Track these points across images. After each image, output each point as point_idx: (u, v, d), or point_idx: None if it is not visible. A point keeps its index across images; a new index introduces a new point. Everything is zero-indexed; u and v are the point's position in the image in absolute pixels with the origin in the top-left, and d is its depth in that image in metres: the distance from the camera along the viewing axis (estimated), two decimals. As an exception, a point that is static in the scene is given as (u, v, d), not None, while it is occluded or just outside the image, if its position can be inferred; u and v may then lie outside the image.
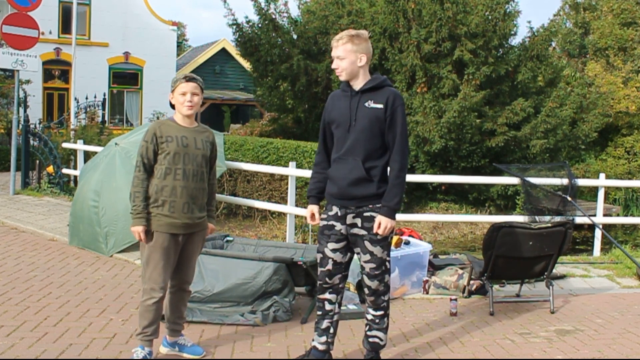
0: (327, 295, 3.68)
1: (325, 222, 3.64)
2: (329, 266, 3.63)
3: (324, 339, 3.71)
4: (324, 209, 3.69)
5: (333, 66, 3.59)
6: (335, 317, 3.73)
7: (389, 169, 3.56)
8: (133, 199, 3.64)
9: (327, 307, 3.70)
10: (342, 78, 3.57)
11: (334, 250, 3.61)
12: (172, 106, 3.81)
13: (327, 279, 3.65)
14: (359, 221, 3.54)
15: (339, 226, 3.59)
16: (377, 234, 3.50)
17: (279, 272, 4.61)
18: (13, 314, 4.54)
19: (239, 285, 4.57)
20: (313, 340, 3.77)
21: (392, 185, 3.49)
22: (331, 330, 3.72)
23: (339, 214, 3.59)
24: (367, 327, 3.73)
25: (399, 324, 4.57)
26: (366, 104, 3.51)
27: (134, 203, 3.63)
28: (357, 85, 3.56)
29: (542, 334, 4.50)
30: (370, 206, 3.52)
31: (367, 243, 3.53)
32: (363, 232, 3.53)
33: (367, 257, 3.55)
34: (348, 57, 3.50)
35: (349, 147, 3.53)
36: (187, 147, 3.69)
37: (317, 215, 3.73)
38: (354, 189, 3.51)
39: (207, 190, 3.87)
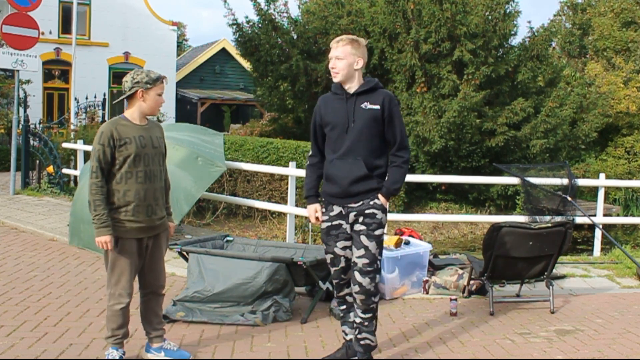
0: (346, 291, 3.74)
1: (329, 223, 3.67)
2: (342, 264, 3.67)
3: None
4: (324, 210, 3.71)
5: (330, 66, 3.64)
6: None
7: (391, 162, 3.65)
8: (94, 208, 3.47)
9: (349, 299, 3.76)
10: (337, 79, 3.62)
11: (344, 248, 3.65)
12: (119, 102, 3.64)
13: (342, 275, 3.70)
14: (360, 218, 3.59)
15: (344, 225, 3.64)
16: (374, 229, 3.56)
17: (279, 272, 4.61)
18: (13, 314, 4.54)
19: (239, 285, 4.57)
20: (347, 334, 3.80)
21: (395, 172, 3.62)
22: None
23: (343, 212, 3.63)
24: (357, 330, 3.71)
25: (399, 324, 4.57)
26: (362, 106, 3.59)
27: (97, 212, 3.46)
28: (352, 88, 3.63)
29: (542, 334, 4.50)
30: (372, 203, 3.57)
31: (362, 237, 3.57)
32: (362, 227, 3.58)
33: (362, 251, 3.57)
34: (346, 58, 3.58)
35: (348, 147, 3.57)
36: (146, 148, 3.58)
37: (320, 214, 3.73)
38: (356, 186, 3.56)
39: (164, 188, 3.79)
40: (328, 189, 3.68)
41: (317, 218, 3.73)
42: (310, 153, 3.86)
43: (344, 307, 3.80)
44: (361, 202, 3.58)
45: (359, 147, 3.56)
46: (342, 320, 3.85)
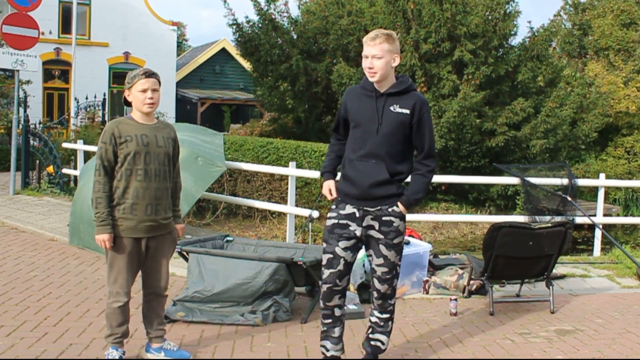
0: (336, 301, 3.53)
1: (335, 221, 3.50)
2: (340, 267, 3.48)
3: (339, 345, 3.63)
4: (335, 206, 3.56)
5: (367, 65, 3.38)
6: (344, 319, 3.65)
7: (415, 170, 3.51)
8: (95, 206, 3.49)
9: (337, 313, 3.56)
10: (375, 79, 3.39)
11: (345, 249, 3.48)
12: (127, 103, 3.68)
13: (337, 281, 3.47)
14: (376, 224, 3.47)
15: (354, 227, 3.47)
16: (393, 238, 3.47)
17: (279, 272, 4.61)
18: (13, 314, 4.54)
19: (239, 285, 4.57)
20: (328, 350, 3.61)
21: (418, 181, 3.49)
22: (342, 334, 3.65)
23: (357, 214, 3.47)
24: (370, 329, 3.69)
25: (399, 324, 4.57)
26: (391, 108, 3.40)
27: (97, 210, 3.48)
28: (383, 86, 3.43)
29: (542, 334, 4.50)
30: (390, 210, 3.46)
31: (382, 247, 3.48)
32: (380, 235, 3.47)
33: (381, 260, 3.50)
34: (385, 56, 3.37)
35: (370, 149, 3.42)
36: (148, 146, 3.55)
37: (334, 190, 3.58)
38: (377, 190, 3.42)
39: (172, 189, 3.76)
40: (345, 188, 3.50)
41: (330, 192, 3.58)
42: (332, 138, 3.76)
43: (329, 320, 3.56)
44: (379, 207, 3.45)
45: (382, 151, 3.41)
46: (323, 334, 3.62)
